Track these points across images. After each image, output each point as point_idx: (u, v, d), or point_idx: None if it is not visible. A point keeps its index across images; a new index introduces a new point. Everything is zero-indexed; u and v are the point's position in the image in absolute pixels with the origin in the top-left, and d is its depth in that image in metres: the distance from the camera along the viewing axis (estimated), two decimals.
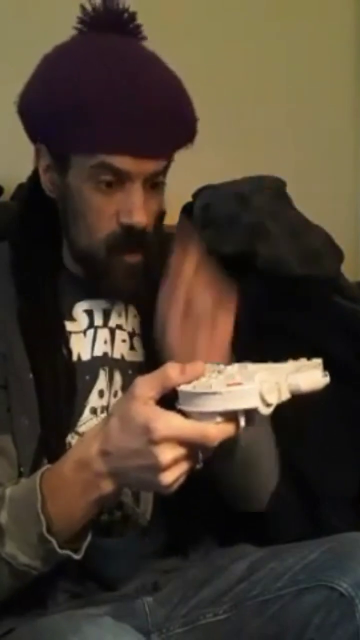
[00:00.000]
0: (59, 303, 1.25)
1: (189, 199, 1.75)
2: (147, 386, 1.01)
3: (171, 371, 1.00)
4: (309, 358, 1.05)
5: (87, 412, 1.24)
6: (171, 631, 1.21)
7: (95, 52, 1.20)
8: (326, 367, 1.08)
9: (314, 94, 2.12)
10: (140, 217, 1.18)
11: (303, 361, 1.05)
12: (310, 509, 1.57)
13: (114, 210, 1.19)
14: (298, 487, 1.56)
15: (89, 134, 1.16)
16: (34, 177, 1.28)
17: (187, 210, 1.73)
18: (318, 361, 1.05)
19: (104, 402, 1.25)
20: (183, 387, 0.99)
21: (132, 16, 1.24)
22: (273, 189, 1.72)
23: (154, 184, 1.21)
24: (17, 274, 1.26)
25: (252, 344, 1.59)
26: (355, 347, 1.63)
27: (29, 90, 1.23)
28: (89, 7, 1.23)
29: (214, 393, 0.96)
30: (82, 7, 1.23)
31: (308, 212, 1.73)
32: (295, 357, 1.35)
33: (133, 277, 1.21)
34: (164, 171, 1.22)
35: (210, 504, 1.28)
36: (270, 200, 1.70)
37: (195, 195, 1.73)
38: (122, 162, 1.16)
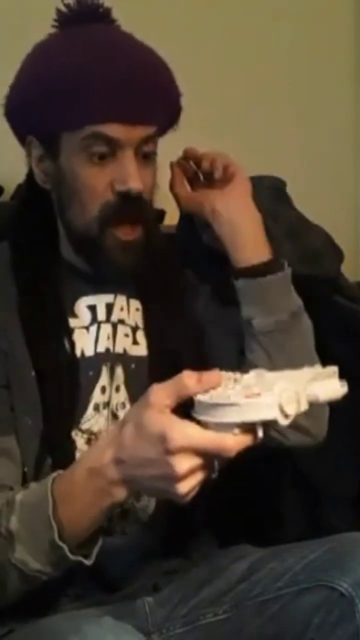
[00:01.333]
0: (61, 299, 1.25)
1: None
2: (162, 394, 0.99)
3: (188, 380, 0.98)
4: (323, 365, 1.04)
5: (90, 409, 1.24)
6: (171, 631, 1.21)
7: (74, 36, 1.23)
8: (325, 366, 1.07)
9: (314, 94, 2.12)
10: (135, 183, 1.18)
11: (318, 368, 1.04)
12: (310, 509, 1.58)
13: (107, 181, 1.19)
14: (298, 487, 1.56)
15: (75, 108, 1.18)
16: (29, 176, 1.29)
17: None
18: (334, 369, 1.03)
19: (105, 398, 1.25)
20: (200, 397, 0.97)
21: (107, 11, 1.26)
22: (273, 189, 1.72)
23: (146, 155, 1.22)
24: (18, 271, 1.26)
25: None
26: (355, 347, 1.63)
27: (14, 88, 1.26)
28: (63, 8, 1.25)
29: (232, 404, 0.95)
30: (58, 10, 1.26)
31: (308, 212, 1.73)
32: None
33: (130, 252, 1.21)
34: (153, 139, 1.23)
35: (211, 504, 1.28)
36: (270, 200, 1.70)
37: None
38: (112, 130, 1.17)
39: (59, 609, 1.18)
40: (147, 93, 1.20)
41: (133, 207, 1.19)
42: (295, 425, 1.25)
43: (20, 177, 1.52)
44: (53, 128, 1.21)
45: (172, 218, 1.53)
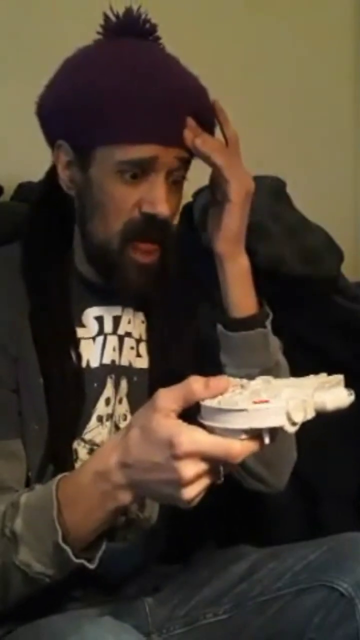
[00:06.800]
0: (70, 308, 1.24)
1: (189, 199, 1.75)
2: (169, 399, 0.98)
3: (195, 385, 0.97)
4: (329, 373, 1.04)
5: (94, 420, 1.23)
6: (171, 631, 1.21)
7: (120, 51, 1.21)
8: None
9: (314, 94, 2.13)
10: (163, 208, 1.18)
11: (323, 376, 1.03)
12: (310, 509, 1.58)
13: (135, 200, 1.19)
14: (298, 487, 1.56)
15: (112, 127, 1.17)
16: (48, 177, 1.28)
17: (187, 210, 1.74)
18: (339, 377, 1.02)
19: (109, 409, 1.25)
20: (207, 402, 0.96)
21: (154, 28, 1.24)
22: (273, 189, 1.72)
23: (175, 181, 1.21)
24: (29, 275, 1.25)
25: None
26: (354, 346, 1.63)
27: (52, 90, 1.23)
28: (112, 16, 1.23)
29: (240, 410, 0.94)
30: (105, 15, 1.23)
31: (308, 212, 1.74)
32: (296, 357, 1.36)
33: (144, 274, 1.20)
34: (185, 165, 1.22)
35: (212, 506, 1.28)
36: (270, 200, 1.70)
37: (196, 195, 1.74)
38: (148, 150, 1.17)
39: (58, 609, 1.17)
40: (184, 118, 1.20)
41: (157, 229, 1.19)
42: (252, 473, 1.27)
43: (21, 177, 1.52)
44: (88, 141, 1.20)
45: None
